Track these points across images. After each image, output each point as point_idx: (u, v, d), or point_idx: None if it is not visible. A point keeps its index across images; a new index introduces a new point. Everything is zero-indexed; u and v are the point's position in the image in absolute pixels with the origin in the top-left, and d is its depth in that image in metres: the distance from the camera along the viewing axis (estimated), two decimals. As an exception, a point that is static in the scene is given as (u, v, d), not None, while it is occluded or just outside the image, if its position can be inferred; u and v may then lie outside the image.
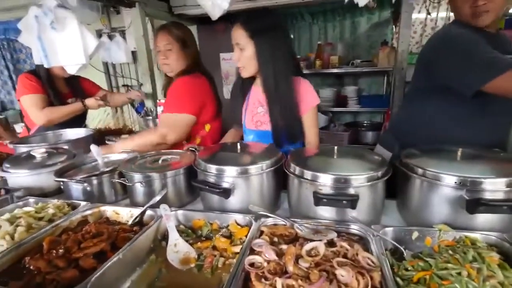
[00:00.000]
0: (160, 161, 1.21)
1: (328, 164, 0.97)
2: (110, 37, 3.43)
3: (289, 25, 4.15)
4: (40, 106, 1.93)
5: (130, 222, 0.97)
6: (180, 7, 2.85)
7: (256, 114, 1.43)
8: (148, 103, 2.61)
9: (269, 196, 1.07)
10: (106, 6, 3.27)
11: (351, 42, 3.96)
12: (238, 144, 1.21)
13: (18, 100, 2.01)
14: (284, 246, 0.76)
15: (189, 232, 0.94)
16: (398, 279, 0.67)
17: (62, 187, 1.22)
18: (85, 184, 1.15)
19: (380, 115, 4.10)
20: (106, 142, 1.92)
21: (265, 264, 0.71)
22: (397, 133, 1.53)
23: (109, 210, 1.04)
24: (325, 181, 0.89)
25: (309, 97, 1.36)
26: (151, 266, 0.85)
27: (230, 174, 1.00)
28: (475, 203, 0.79)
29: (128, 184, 1.12)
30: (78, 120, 2.16)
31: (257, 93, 1.41)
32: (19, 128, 3.24)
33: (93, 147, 1.32)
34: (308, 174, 0.92)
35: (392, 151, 1.46)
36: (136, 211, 0.99)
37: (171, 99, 1.63)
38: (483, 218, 0.82)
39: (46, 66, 1.84)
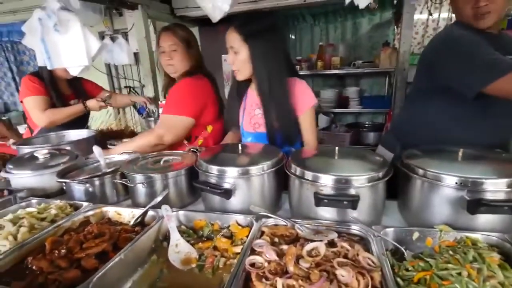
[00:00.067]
0: (161, 162, 1.22)
1: (329, 165, 0.97)
2: (113, 39, 3.45)
3: (290, 26, 4.16)
4: (42, 108, 1.94)
5: (131, 223, 0.97)
6: (182, 9, 2.86)
7: (253, 116, 1.43)
8: (149, 105, 2.62)
9: (270, 196, 1.07)
10: (109, 8, 3.29)
11: (353, 43, 3.96)
12: (239, 145, 1.21)
13: (21, 102, 2.03)
14: (284, 247, 0.76)
15: (190, 233, 0.95)
16: (398, 279, 0.67)
17: (64, 188, 1.23)
18: (87, 185, 1.16)
19: (382, 116, 4.10)
20: (108, 146, 1.93)
21: (266, 264, 0.71)
22: (399, 134, 1.52)
23: (111, 211, 1.05)
24: (326, 182, 0.89)
25: (305, 98, 1.36)
26: (152, 266, 0.85)
27: (231, 175, 1.00)
28: (476, 204, 0.79)
29: (130, 185, 1.13)
30: (81, 121, 2.17)
31: (253, 95, 1.41)
32: (22, 129, 3.27)
33: (95, 148, 1.33)
34: (309, 174, 0.93)
35: (393, 152, 1.46)
36: (138, 212, 1.00)
37: (172, 100, 1.63)
38: (484, 219, 0.82)
39: (49, 68, 1.86)
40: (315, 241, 0.77)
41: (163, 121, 1.62)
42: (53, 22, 1.75)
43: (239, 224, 0.93)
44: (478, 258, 0.68)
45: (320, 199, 0.88)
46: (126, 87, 3.94)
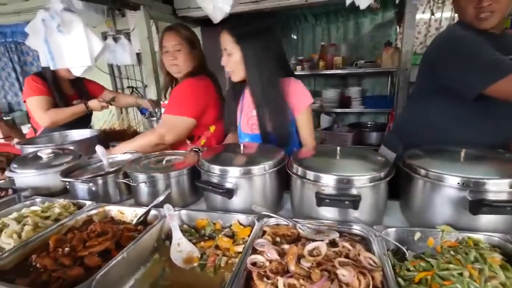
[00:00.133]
0: (164, 162, 1.22)
1: (330, 165, 0.97)
2: (115, 40, 3.47)
3: (292, 26, 4.16)
4: (44, 108, 1.96)
5: (134, 222, 0.98)
6: (184, 9, 2.87)
7: (251, 117, 1.42)
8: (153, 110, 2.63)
9: (271, 196, 1.07)
10: (111, 9, 3.31)
11: (355, 43, 3.95)
12: (241, 145, 1.21)
13: (24, 102, 2.05)
14: (286, 246, 0.77)
15: (193, 232, 0.95)
16: (399, 279, 0.67)
17: (68, 187, 1.24)
18: (91, 184, 1.17)
19: (384, 116, 4.09)
20: (110, 147, 1.94)
21: (267, 263, 0.72)
22: (401, 134, 1.52)
23: (114, 210, 1.06)
24: (328, 182, 0.89)
25: (301, 98, 1.35)
26: (154, 265, 0.86)
27: (233, 175, 1.00)
28: (478, 204, 0.78)
29: (132, 184, 1.14)
30: (84, 121, 2.19)
31: (250, 96, 1.41)
32: (25, 129, 3.29)
33: (98, 148, 1.34)
34: (310, 174, 0.93)
35: (396, 152, 1.45)
36: (140, 211, 1.01)
37: (174, 100, 1.64)
38: (486, 219, 0.82)
39: (52, 68, 1.88)
40: (316, 240, 0.78)
41: (165, 121, 1.63)
42: (56, 23, 1.77)
43: (240, 224, 0.94)
44: (479, 259, 0.67)
45: (321, 199, 0.88)
46: (128, 87, 3.96)
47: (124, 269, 0.78)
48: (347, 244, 0.75)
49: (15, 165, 1.32)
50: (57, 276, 0.74)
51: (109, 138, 2.14)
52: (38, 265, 0.78)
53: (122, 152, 1.48)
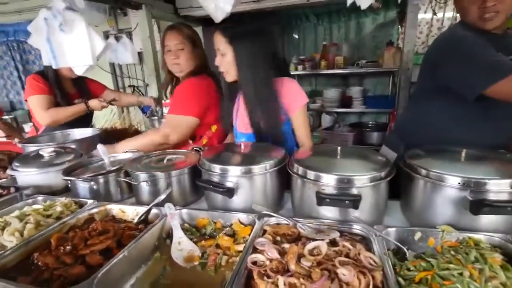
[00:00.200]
0: (165, 161, 1.23)
1: (331, 164, 0.97)
2: (117, 39, 3.47)
3: (293, 26, 4.16)
4: (45, 107, 1.97)
5: (135, 220, 0.98)
6: (185, 8, 2.88)
7: (246, 117, 1.41)
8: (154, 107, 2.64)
9: (272, 195, 1.07)
10: (113, 8, 3.32)
11: (356, 42, 3.95)
12: (242, 144, 1.22)
13: (26, 101, 2.06)
14: (286, 245, 0.77)
15: (193, 231, 0.96)
16: (400, 279, 0.67)
17: (69, 185, 1.24)
18: (92, 183, 1.17)
19: (386, 116, 4.08)
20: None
21: (268, 262, 0.72)
22: (402, 134, 1.52)
23: (115, 208, 1.06)
24: (328, 181, 0.89)
25: (295, 98, 1.35)
26: (155, 263, 0.86)
27: (234, 174, 1.01)
28: (478, 204, 0.78)
29: (133, 183, 1.14)
30: (85, 120, 2.19)
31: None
32: (27, 127, 3.31)
33: (99, 147, 1.35)
34: (311, 174, 0.93)
35: (397, 152, 1.45)
36: (142, 210, 1.01)
37: (177, 100, 1.64)
38: (487, 219, 0.82)
39: (54, 67, 1.88)
40: (316, 240, 0.78)
41: (169, 120, 1.63)
42: (58, 22, 1.77)
43: (241, 223, 0.94)
44: (480, 259, 0.67)
45: (322, 199, 0.88)
46: (130, 86, 3.96)
47: (125, 268, 0.79)
48: (347, 244, 0.76)
49: (17, 164, 1.33)
50: (58, 274, 0.74)
51: (110, 137, 2.14)
52: (40, 263, 0.78)
53: (124, 149, 1.49)
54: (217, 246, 0.87)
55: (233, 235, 0.91)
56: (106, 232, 0.89)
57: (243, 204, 1.02)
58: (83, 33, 1.84)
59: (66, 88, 2.13)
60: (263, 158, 1.06)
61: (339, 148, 1.06)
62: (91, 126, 2.32)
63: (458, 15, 1.31)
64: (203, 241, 0.90)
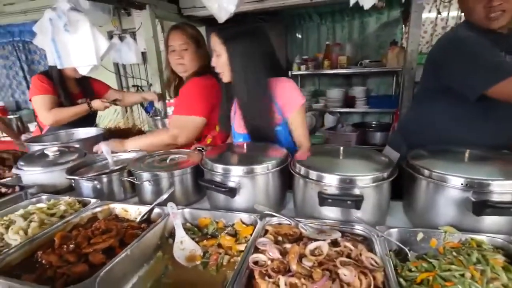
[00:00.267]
0: (168, 160, 1.23)
1: (333, 165, 0.97)
2: (121, 39, 3.49)
3: (297, 25, 4.15)
4: (48, 107, 1.98)
5: (138, 220, 0.99)
6: (189, 8, 2.88)
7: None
8: (157, 103, 2.65)
9: (274, 195, 1.08)
10: (117, 8, 3.34)
11: (360, 42, 3.92)
12: (244, 144, 1.22)
13: (30, 100, 2.08)
14: (288, 245, 0.77)
15: (195, 230, 0.96)
16: (401, 279, 0.67)
17: (73, 184, 1.26)
18: (95, 182, 1.18)
19: (389, 116, 4.06)
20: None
21: (269, 262, 0.72)
22: (405, 134, 1.51)
23: (118, 208, 1.07)
24: (330, 181, 0.89)
25: (291, 98, 1.33)
26: (157, 262, 0.87)
27: (236, 174, 1.01)
28: (481, 205, 0.78)
29: (136, 182, 1.15)
30: (89, 119, 2.21)
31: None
32: (32, 127, 3.34)
33: (103, 147, 1.36)
34: (313, 174, 0.93)
35: (400, 152, 1.45)
36: (144, 209, 1.02)
37: (183, 100, 1.65)
38: (489, 220, 0.81)
39: (59, 67, 1.90)
40: (318, 240, 0.78)
41: (176, 122, 1.63)
42: (63, 22, 1.79)
43: (243, 223, 0.94)
44: (482, 260, 0.67)
45: (324, 199, 0.88)
46: (134, 86, 3.99)
47: (128, 266, 0.79)
48: (349, 244, 0.75)
49: (22, 163, 1.35)
50: (62, 272, 0.75)
51: (114, 136, 2.14)
52: (43, 261, 0.79)
53: (134, 146, 1.51)
54: (219, 245, 0.88)
55: (235, 234, 0.91)
56: (109, 231, 0.90)
57: (245, 204, 1.02)
58: (88, 33, 1.85)
59: (70, 88, 2.15)
60: (265, 158, 1.06)
61: (341, 148, 1.05)
62: (95, 126, 2.34)
63: (462, 14, 1.30)
64: (205, 241, 0.90)
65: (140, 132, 2.45)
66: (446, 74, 1.22)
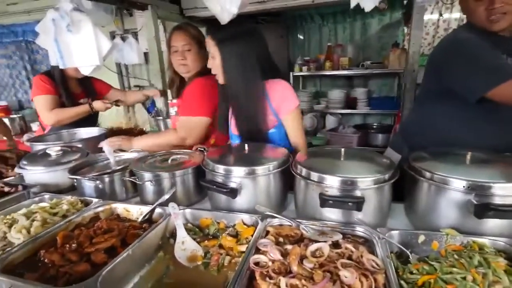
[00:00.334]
0: (169, 161, 1.24)
1: (334, 166, 0.97)
2: (123, 39, 3.51)
3: (298, 26, 4.15)
4: (49, 107, 1.99)
5: (139, 219, 1.00)
6: (191, 9, 2.90)
7: None
8: (159, 103, 2.66)
9: (275, 196, 1.08)
10: (120, 8, 3.35)
11: (362, 43, 3.93)
12: (246, 145, 1.22)
13: (32, 100, 2.09)
14: (289, 247, 0.77)
15: (197, 231, 0.96)
16: (402, 282, 0.67)
17: (75, 184, 1.26)
18: (97, 182, 1.19)
19: (390, 118, 4.05)
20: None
21: (270, 263, 0.72)
22: (407, 136, 1.51)
23: (120, 207, 1.08)
24: (332, 183, 0.89)
25: (285, 100, 1.32)
26: (159, 262, 0.87)
27: (237, 175, 1.01)
28: (483, 208, 0.78)
29: (138, 182, 1.16)
30: (91, 119, 2.22)
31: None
32: (35, 126, 3.36)
33: (105, 146, 1.37)
34: (314, 175, 0.93)
35: (402, 154, 1.44)
36: (146, 209, 1.02)
37: (188, 101, 1.64)
38: (491, 223, 0.81)
39: (61, 67, 1.91)
40: (319, 241, 0.78)
41: (183, 123, 1.63)
42: (66, 22, 1.80)
43: (244, 223, 0.95)
44: (483, 263, 0.67)
45: (325, 200, 0.88)
46: (135, 86, 4.00)
47: (129, 266, 0.80)
48: (350, 246, 0.76)
49: (24, 162, 1.35)
50: (64, 271, 0.75)
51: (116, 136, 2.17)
52: (46, 260, 0.80)
53: (140, 145, 1.52)
54: (220, 246, 0.88)
55: (236, 235, 0.91)
56: (110, 230, 0.90)
57: (246, 204, 1.02)
58: (90, 33, 1.86)
59: (72, 88, 2.16)
60: (267, 159, 1.07)
61: (342, 149, 1.05)
62: (97, 126, 2.35)
63: (464, 16, 1.30)
64: (206, 241, 0.91)
65: (142, 132, 2.46)
66: (447, 76, 1.22)
